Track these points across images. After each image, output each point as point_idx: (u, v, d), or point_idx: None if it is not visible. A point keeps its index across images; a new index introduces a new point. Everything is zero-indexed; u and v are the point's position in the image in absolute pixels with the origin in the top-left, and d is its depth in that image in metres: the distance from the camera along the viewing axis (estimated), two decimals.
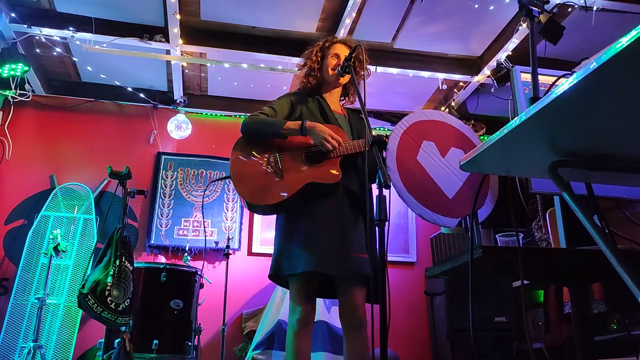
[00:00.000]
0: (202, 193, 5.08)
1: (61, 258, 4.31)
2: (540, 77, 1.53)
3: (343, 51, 2.53)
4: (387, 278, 1.71)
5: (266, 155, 2.35)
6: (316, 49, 2.58)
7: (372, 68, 4.44)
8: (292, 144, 2.37)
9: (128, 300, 2.89)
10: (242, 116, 5.37)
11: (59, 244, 4.14)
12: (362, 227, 2.29)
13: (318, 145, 2.29)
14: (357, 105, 2.71)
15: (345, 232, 2.25)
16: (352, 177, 2.34)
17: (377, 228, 1.78)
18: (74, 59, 4.70)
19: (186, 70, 4.84)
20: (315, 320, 2.30)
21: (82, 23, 4.13)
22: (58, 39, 4.27)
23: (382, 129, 5.47)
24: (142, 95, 5.09)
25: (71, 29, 4.10)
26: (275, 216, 2.46)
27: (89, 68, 4.83)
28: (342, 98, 2.67)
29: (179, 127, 5.07)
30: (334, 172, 2.27)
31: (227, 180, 5.05)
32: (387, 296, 1.69)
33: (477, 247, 1.56)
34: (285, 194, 2.23)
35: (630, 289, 0.93)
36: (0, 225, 4.66)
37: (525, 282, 1.52)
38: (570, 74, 1.00)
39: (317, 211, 2.26)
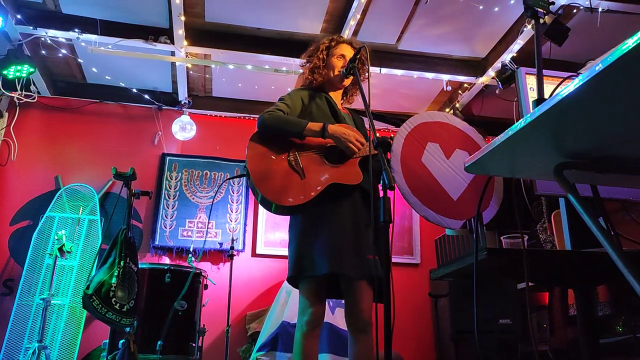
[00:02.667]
0: (207, 194, 5.09)
1: (66, 259, 4.32)
2: (545, 79, 1.52)
3: (349, 52, 2.54)
4: (391, 280, 1.70)
5: (286, 154, 2.32)
6: (322, 47, 2.58)
7: (376, 69, 4.43)
8: (310, 143, 2.35)
9: (132, 301, 2.89)
10: (247, 117, 5.38)
11: (63, 244, 4.16)
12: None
13: (343, 149, 2.30)
14: (355, 105, 2.71)
15: (360, 233, 2.25)
16: (366, 178, 2.34)
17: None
18: (79, 60, 4.71)
19: (191, 72, 4.85)
20: None
21: (88, 24, 4.15)
22: (63, 40, 4.29)
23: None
24: (146, 96, 5.10)
25: (76, 30, 4.11)
26: (283, 217, 2.44)
27: (94, 69, 4.85)
28: (342, 98, 2.68)
29: (184, 128, 5.08)
30: (356, 172, 2.28)
31: (234, 179, 5.07)
32: (391, 298, 1.69)
33: (481, 249, 1.55)
34: (311, 195, 2.20)
35: (636, 291, 0.92)
36: (5, 226, 4.68)
37: (530, 284, 1.52)
38: (576, 76, 0.99)
39: (333, 212, 2.25)
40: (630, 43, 0.76)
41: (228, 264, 4.32)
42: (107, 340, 3.37)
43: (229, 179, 5.04)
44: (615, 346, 3.20)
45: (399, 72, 4.60)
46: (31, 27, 4.07)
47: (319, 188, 2.22)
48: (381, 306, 1.75)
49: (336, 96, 2.60)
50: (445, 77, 4.69)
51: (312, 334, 2.20)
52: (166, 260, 4.79)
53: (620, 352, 3.17)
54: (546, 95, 1.39)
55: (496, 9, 3.99)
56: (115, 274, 2.85)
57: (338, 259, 2.15)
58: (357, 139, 2.28)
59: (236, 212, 5.08)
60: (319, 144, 2.35)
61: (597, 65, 0.82)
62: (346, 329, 3.86)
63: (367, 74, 2.43)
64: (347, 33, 4.09)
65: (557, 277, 2.05)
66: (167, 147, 5.18)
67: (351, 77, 2.48)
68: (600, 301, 3.32)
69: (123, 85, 5.03)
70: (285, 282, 4.34)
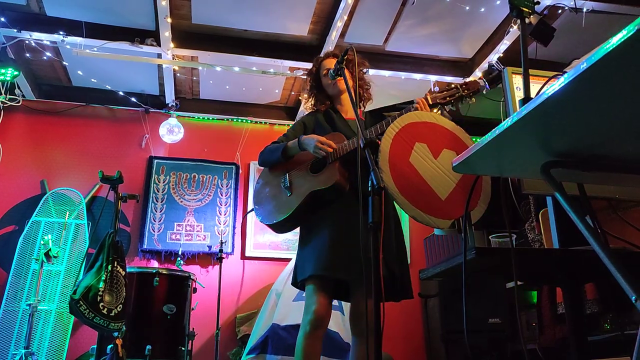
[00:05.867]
0: (195, 197, 5.06)
1: (52, 264, 4.27)
2: (532, 78, 1.53)
3: (332, 64, 2.57)
4: (381, 280, 1.70)
5: (281, 177, 2.50)
6: (310, 79, 2.68)
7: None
8: (300, 162, 2.48)
9: (120, 305, 2.87)
10: (235, 119, 5.37)
11: (50, 249, 4.11)
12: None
13: (315, 155, 2.37)
14: (374, 106, 2.74)
15: (356, 235, 2.26)
16: (355, 179, 2.35)
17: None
18: (64, 63, 4.67)
19: (178, 74, 4.82)
20: None
21: (73, 27, 4.11)
22: (48, 43, 4.24)
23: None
24: (133, 99, 5.07)
25: (61, 33, 4.07)
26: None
27: (79, 72, 4.80)
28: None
29: (171, 131, 5.05)
30: (331, 175, 2.33)
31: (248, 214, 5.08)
32: (381, 298, 1.69)
33: (470, 248, 1.55)
34: (292, 207, 2.36)
35: (623, 288, 0.92)
36: None
37: (518, 283, 1.52)
38: (562, 75, 1.00)
39: (327, 217, 2.33)
40: (614, 42, 0.76)
41: (217, 267, 4.29)
42: (95, 346, 3.34)
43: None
44: (604, 344, 3.23)
45: (386, 73, 4.61)
46: (15, 30, 4.03)
47: (299, 199, 2.35)
48: (371, 307, 1.75)
49: (346, 105, 2.63)
50: (433, 78, 4.71)
51: (314, 334, 2.19)
52: (154, 263, 4.76)
53: (608, 349, 3.19)
54: (533, 95, 1.40)
55: (482, 9, 4.01)
56: (103, 278, 2.82)
57: (328, 261, 2.19)
58: (323, 141, 2.35)
59: (225, 214, 5.06)
60: (307, 160, 2.46)
61: (582, 64, 0.82)
62: (337, 330, 3.89)
63: (359, 72, 2.50)
64: (334, 35, 4.09)
65: (546, 276, 2.06)
66: (155, 150, 5.14)
67: (341, 79, 2.50)
68: (588, 299, 3.35)
69: (109, 88, 4.99)
70: (275, 284, 4.35)
